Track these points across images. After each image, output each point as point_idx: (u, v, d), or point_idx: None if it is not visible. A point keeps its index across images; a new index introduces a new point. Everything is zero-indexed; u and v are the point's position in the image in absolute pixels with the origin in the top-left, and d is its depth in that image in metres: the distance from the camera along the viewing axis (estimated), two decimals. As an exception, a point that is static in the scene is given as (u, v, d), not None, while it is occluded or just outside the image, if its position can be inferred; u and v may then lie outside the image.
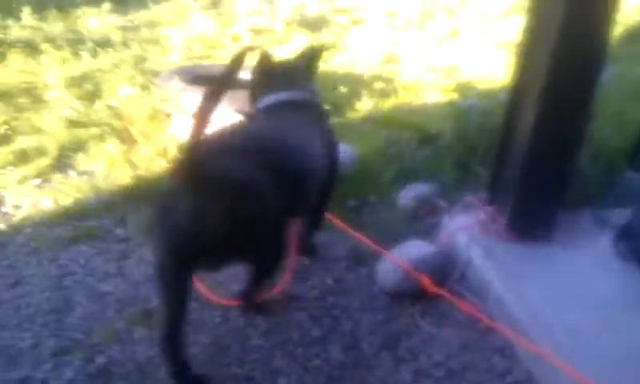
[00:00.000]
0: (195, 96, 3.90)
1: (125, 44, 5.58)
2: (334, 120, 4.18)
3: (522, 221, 2.46)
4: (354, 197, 3.10)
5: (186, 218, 1.66)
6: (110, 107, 4.07)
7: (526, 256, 2.39)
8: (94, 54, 5.11)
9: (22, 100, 4.14)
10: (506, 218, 2.48)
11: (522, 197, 2.44)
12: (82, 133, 3.70)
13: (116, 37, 5.63)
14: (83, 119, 3.88)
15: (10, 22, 5.63)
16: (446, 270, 2.42)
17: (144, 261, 2.63)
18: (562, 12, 2.13)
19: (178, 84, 3.97)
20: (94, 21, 6.04)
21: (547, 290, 2.16)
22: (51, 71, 4.68)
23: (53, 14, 5.99)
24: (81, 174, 3.32)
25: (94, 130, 3.73)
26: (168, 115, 3.92)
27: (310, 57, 2.51)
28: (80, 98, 4.19)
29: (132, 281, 2.49)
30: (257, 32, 6.36)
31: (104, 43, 5.45)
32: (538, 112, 2.27)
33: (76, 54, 5.11)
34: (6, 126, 3.75)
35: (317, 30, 6.58)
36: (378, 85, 4.85)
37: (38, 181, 3.20)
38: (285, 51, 5.80)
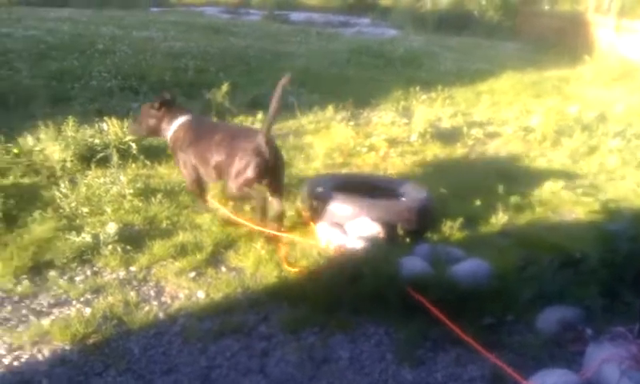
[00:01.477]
0: (338, 203, 4.03)
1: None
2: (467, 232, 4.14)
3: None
4: (489, 314, 2.98)
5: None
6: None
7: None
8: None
9: (183, 198, 4.48)
10: (661, 354, 2.25)
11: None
12: (233, 231, 3.92)
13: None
14: (231, 219, 4.11)
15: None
16: (593, 404, 2.22)
17: (284, 360, 2.67)
18: None
19: (321, 191, 4.14)
20: (248, 128, 6.52)
21: None
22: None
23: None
24: (231, 270, 3.50)
25: (244, 230, 3.94)
26: (312, 220, 4.07)
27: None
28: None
29: (272, 378, 2.53)
30: (392, 143, 6.50)
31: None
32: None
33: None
34: (169, 222, 4.07)
35: (451, 142, 6.62)
36: (514, 199, 4.73)
37: (193, 274, 3.41)
38: (418, 161, 5.89)
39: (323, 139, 6.55)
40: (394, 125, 7.23)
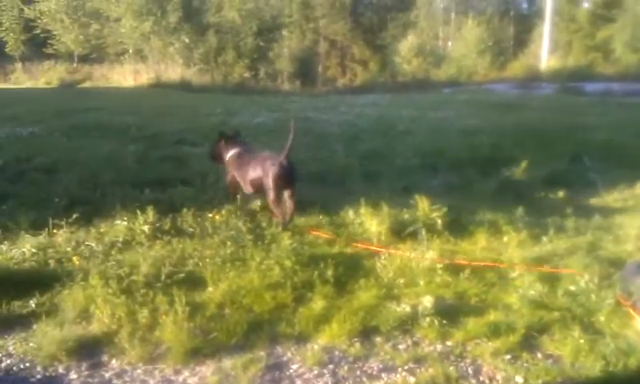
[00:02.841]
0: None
1: (577, 230, 5.53)
2: None
3: None
4: None
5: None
6: (569, 293, 4.02)
7: None
8: (551, 239, 5.20)
9: (489, 275, 4.45)
10: None
11: None
12: (545, 315, 3.74)
13: (569, 222, 5.64)
14: (545, 301, 3.92)
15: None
16: None
17: None
18: None
19: (646, 279, 3.71)
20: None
21: None
22: (511, 251, 4.94)
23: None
24: (547, 356, 3.32)
25: (556, 314, 3.73)
26: (634, 310, 3.66)
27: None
28: (540, 280, 4.27)
29: None
30: None
31: (558, 228, 5.50)
32: None
33: (533, 237, 5.29)
34: (477, 299, 4.07)
35: None
36: None
37: (508, 356, 3.32)
38: None
39: (634, 219, 5.90)
40: None
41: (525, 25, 38.50)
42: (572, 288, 4.09)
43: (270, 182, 5.26)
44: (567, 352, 3.30)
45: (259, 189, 5.47)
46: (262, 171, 5.36)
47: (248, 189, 5.59)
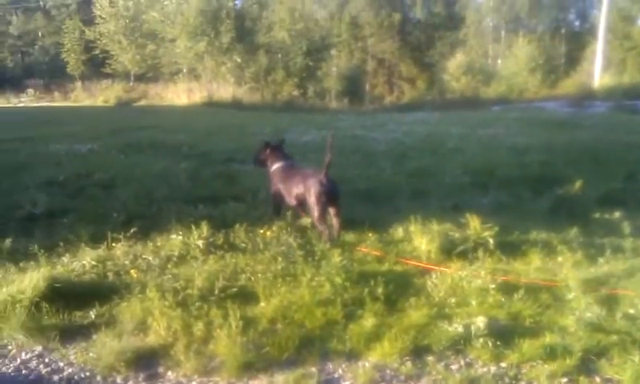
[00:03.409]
0: None
1: (635, 251, 5.33)
2: None
3: None
4: None
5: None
6: (628, 316, 3.87)
7: None
8: (607, 260, 5.03)
9: (543, 296, 4.33)
10: None
11: None
12: (602, 338, 3.61)
13: (626, 243, 5.44)
14: (603, 324, 3.79)
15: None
16: None
17: None
18: None
19: None
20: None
21: None
22: (566, 272, 4.79)
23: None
24: (605, 381, 3.21)
25: (614, 338, 3.59)
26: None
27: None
28: (597, 302, 4.12)
29: None
30: None
31: (615, 249, 5.32)
32: None
33: (588, 257, 5.13)
34: (532, 320, 3.96)
35: None
36: None
37: (565, 379, 3.22)
38: None
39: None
40: None
41: (577, 42, 37.60)
42: (631, 311, 3.94)
43: (312, 200, 5.35)
44: (627, 377, 3.17)
45: (303, 203, 5.62)
46: (304, 188, 5.49)
47: (292, 201, 5.76)
